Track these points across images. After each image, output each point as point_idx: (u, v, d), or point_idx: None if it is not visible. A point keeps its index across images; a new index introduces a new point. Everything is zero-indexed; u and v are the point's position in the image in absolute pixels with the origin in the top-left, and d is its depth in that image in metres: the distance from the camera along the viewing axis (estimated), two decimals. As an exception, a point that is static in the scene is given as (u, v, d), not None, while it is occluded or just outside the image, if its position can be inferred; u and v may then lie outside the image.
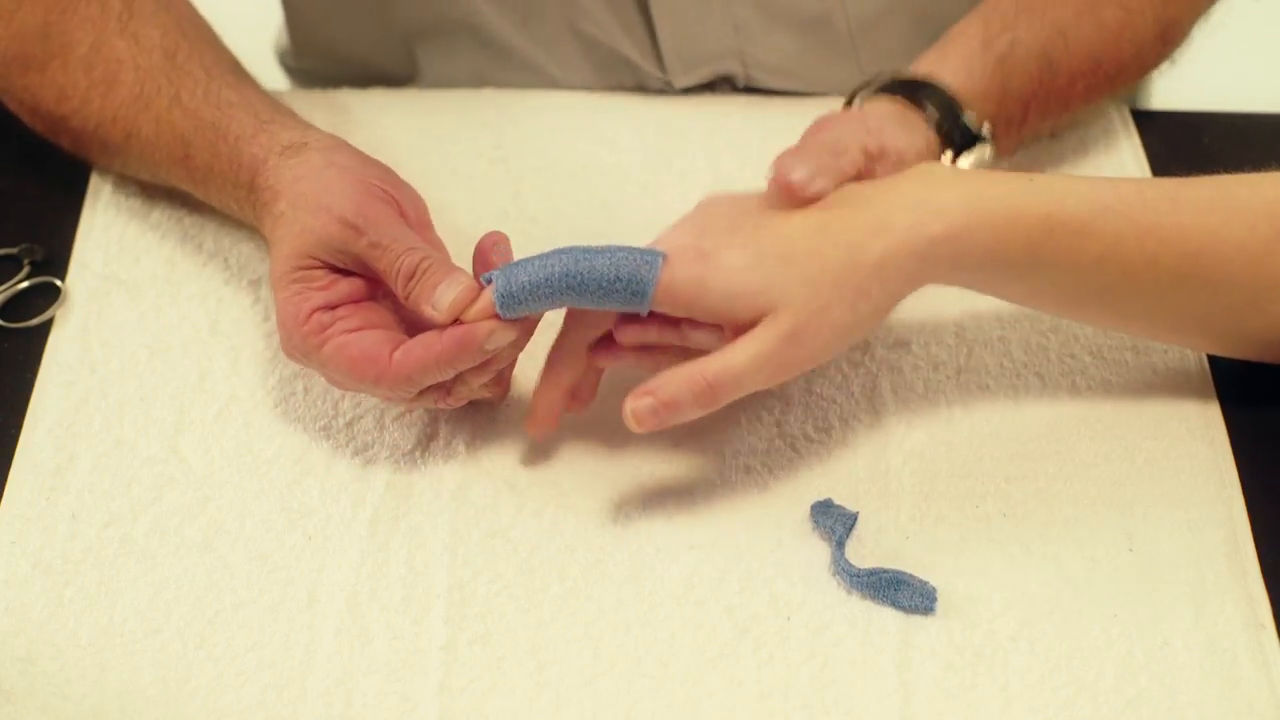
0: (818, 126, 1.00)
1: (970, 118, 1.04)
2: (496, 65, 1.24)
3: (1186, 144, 1.20)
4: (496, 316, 0.93)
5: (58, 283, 1.09)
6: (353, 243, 0.97)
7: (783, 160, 0.95)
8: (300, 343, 0.97)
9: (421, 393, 0.96)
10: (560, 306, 0.94)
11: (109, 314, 1.08)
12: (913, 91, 1.05)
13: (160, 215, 1.13)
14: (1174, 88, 1.20)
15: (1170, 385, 1.03)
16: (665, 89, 1.23)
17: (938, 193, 0.94)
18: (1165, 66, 1.16)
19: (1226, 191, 0.98)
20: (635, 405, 0.93)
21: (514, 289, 0.93)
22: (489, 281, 0.94)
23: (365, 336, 0.96)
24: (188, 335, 1.07)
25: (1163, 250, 0.95)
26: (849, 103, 1.08)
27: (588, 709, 0.90)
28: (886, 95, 1.05)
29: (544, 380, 0.98)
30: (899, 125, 1.02)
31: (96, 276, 1.10)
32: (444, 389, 0.97)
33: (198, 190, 1.08)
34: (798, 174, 0.94)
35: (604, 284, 0.92)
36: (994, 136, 1.06)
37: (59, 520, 0.97)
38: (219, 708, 0.90)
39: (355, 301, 0.98)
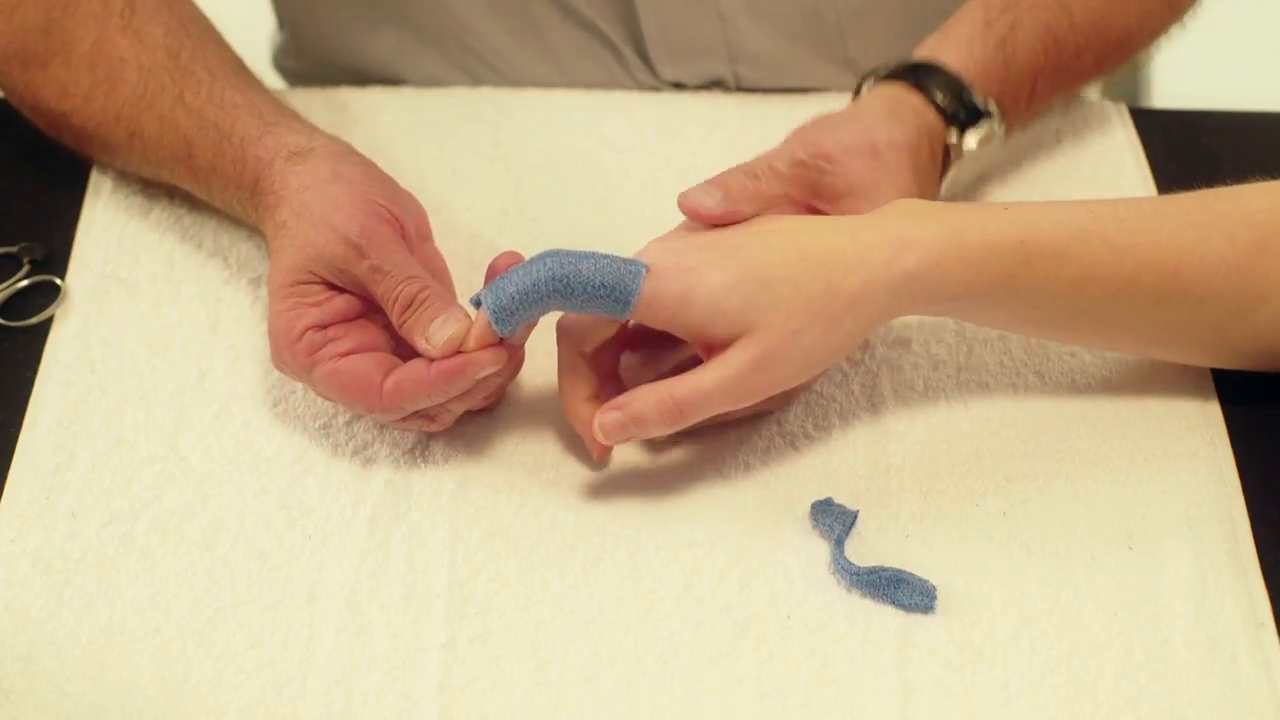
0: None
1: (975, 94, 1.06)
2: (481, 63, 1.24)
3: (1186, 143, 1.20)
4: (492, 336, 0.94)
5: (57, 281, 1.09)
6: (354, 264, 0.97)
7: (689, 192, 0.97)
8: (291, 360, 0.97)
9: (408, 416, 0.97)
10: (549, 311, 0.94)
11: (109, 313, 1.08)
12: (915, 75, 1.07)
13: (160, 213, 1.13)
14: (1174, 87, 1.20)
15: (1170, 384, 1.03)
16: (657, 86, 1.23)
17: (913, 228, 0.94)
18: (1175, 31, 1.17)
19: (1205, 206, 0.98)
20: (603, 419, 0.95)
21: (504, 302, 0.93)
22: (478, 304, 0.94)
23: (357, 362, 0.96)
24: (187, 334, 1.07)
25: (1141, 269, 0.95)
26: (856, 92, 1.10)
27: (588, 708, 0.90)
28: (889, 81, 1.07)
29: (565, 403, 0.98)
30: (886, 117, 1.04)
31: (96, 275, 1.10)
32: (429, 415, 0.97)
33: (200, 190, 1.08)
34: (708, 201, 0.97)
35: (588, 289, 0.92)
36: (1003, 111, 1.08)
37: (59, 519, 0.97)
38: (218, 706, 0.90)
39: (347, 320, 0.98)
